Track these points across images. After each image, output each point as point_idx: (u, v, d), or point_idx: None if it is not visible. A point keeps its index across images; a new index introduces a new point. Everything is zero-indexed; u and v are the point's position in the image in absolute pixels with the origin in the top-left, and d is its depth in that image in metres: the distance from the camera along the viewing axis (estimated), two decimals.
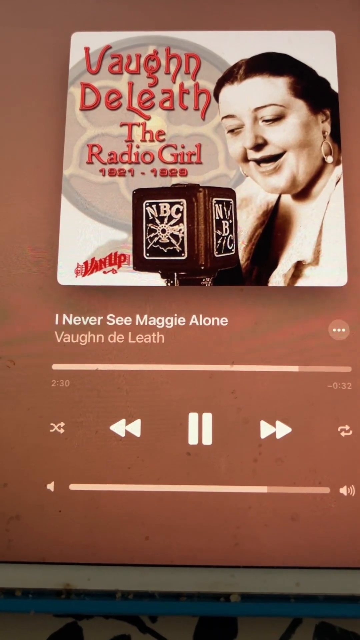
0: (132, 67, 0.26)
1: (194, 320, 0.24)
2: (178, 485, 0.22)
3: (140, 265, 0.24)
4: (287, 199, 0.25)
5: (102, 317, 0.24)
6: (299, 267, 0.24)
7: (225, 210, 0.25)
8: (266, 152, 0.25)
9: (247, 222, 0.25)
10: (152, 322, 0.24)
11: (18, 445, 0.23)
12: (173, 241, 0.24)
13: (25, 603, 0.21)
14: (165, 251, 0.24)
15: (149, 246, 0.24)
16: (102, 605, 0.21)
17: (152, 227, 0.24)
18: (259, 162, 0.25)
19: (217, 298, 0.24)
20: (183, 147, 0.25)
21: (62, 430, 0.23)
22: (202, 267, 0.24)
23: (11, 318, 0.24)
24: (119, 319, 0.24)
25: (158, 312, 0.24)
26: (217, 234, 0.24)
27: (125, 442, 0.23)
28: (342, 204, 0.24)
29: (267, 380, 0.23)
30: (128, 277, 0.24)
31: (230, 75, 0.26)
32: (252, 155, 0.25)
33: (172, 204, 0.25)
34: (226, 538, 0.22)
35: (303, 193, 0.25)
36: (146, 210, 0.25)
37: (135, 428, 0.23)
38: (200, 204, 0.24)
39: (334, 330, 0.24)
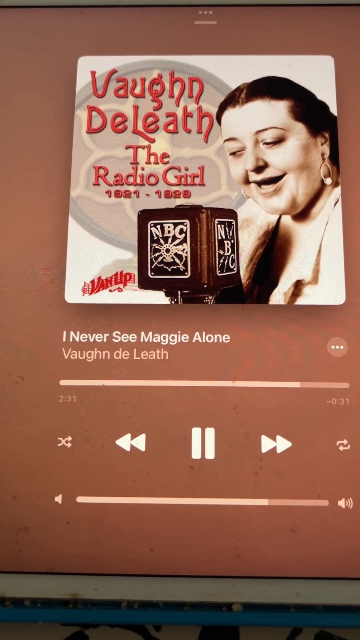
0: (137, 90, 0.27)
1: (197, 337, 0.25)
2: (181, 498, 0.23)
3: (145, 283, 0.25)
4: (287, 220, 0.26)
5: (108, 334, 0.25)
6: (298, 285, 0.25)
7: (227, 230, 0.25)
8: (267, 174, 0.26)
9: (248, 242, 0.25)
10: (156, 339, 0.25)
11: (27, 459, 0.23)
12: (177, 260, 0.25)
13: (33, 612, 0.22)
14: (169, 270, 0.25)
15: (154, 265, 0.25)
16: (108, 614, 0.22)
17: (157, 247, 0.25)
18: (259, 184, 0.26)
19: (220, 316, 0.25)
20: (186, 169, 0.26)
21: (69, 445, 0.24)
22: (205, 286, 0.25)
23: (20, 335, 0.25)
24: (125, 336, 0.25)
25: (162, 329, 0.25)
26: (219, 254, 0.25)
27: (131, 456, 0.23)
28: (341, 225, 0.25)
29: (268, 396, 0.24)
30: (133, 295, 0.25)
31: (232, 99, 0.27)
32: (253, 177, 0.26)
33: (176, 225, 0.25)
34: (228, 549, 0.23)
35: (302, 214, 0.26)
36: (151, 231, 0.25)
37: (140, 442, 0.24)
38: (203, 224, 0.25)
39: (333, 347, 0.24)
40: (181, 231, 0.25)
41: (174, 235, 0.25)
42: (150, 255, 0.25)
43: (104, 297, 0.25)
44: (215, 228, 0.25)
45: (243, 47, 0.27)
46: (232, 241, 0.25)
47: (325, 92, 0.26)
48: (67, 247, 0.25)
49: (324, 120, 0.26)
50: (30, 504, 0.23)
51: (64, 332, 0.25)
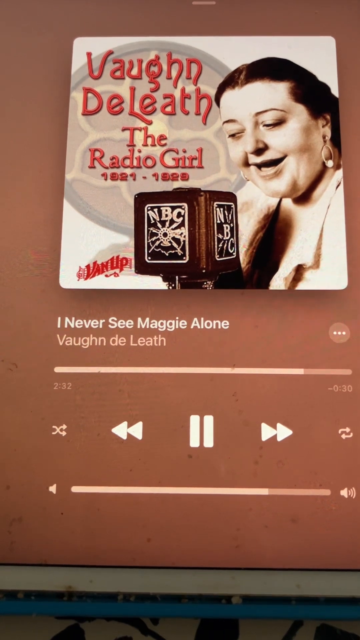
0: (134, 72, 0.26)
1: (195, 323, 0.24)
2: (179, 487, 0.22)
3: (142, 268, 0.24)
4: (287, 203, 0.25)
5: (104, 320, 0.24)
6: (299, 270, 0.24)
7: (227, 214, 0.25)
8: (267, 156, 0.25)
9: (248, 225, 0.25)
10: (153, 325, 0.24)
11: (20, 447, 0.23)
12: (174, 245, 0.25)
13: (27, 605, 0.22)
14: (167, 255, 0.24)
15: (151, 250, 0.25)
16: (104, 607, 0.22)
17: (154, 231, 0.25)
18: (259, 166, 0.25)
19: (219, 301, 0.24)
20: (184, 151, 0.25)
21: (64, 433, 0.23)
22: (204, 271, 0.24)
23: (13, 321, 0.24)
24: (121, 322, 0.24)
25: (160, 315, 0.24)
26: (218, 238, 0.25)
27: (127, 444, 0.23)
28: (343, 208, 0.25)
29: (268, 382, 0.23)
30: (130, 280, 0.24)
31: (231, 80, 0.26)
32: (253, 159, 0.25)
33: (173, 208, 0.25)
34: (227, 540, 0.22)
35: (303, 197, 0.25)
36: (148, 214, 0.25)
37: (137, 431, 0.23)
38: (201, 207, 0.25)
39: (335, 333, 0.24)
40: (179, 215, 0.25)
41: (172, 218, 0.25)
42: (148, 240, 0.25)
43: (99, 282, 0.24)
44: (214, 211, 0.25)
45: (242, 28, 0.27)
46: (232, 225, 0.25)
47: (327, 73, 0.26)
48: (62, 231, 0.25)
49: (325, 102, 0.26)
50: (24, 494, 0.23)
51: (59, 318, 0.24)
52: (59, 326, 0.24)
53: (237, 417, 0.23)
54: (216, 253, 0.25)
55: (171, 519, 0.22)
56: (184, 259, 0.24)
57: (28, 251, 0.25)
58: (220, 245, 0.25)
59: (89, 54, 0.26)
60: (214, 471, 0.23)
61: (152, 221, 0.25)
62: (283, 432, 0.23)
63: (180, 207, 0.25)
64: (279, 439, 0.23)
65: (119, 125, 0.26)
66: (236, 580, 0.22)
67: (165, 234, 0.25)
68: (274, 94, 0.26)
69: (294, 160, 0.25)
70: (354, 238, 0.24)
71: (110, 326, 0.24)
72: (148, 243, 0.25)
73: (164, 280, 0.24)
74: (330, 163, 0.25)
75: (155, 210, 0.25)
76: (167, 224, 0.25)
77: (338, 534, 0.22)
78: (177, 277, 0.24)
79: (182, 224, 0.25)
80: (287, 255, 0.25)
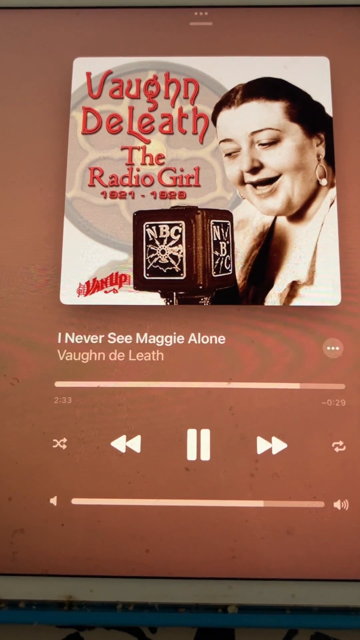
0: (133, 91, 0.27)
1: (192, 338, 0.25)
2: (177, 499, 0.23)
3: (141, 285, 0.25)
4: (282, 221, 0.26)
5: (103, 336, 0.25)
6: (294, 286, 0.25)
7: (223, 231, 0.25)
8: (262, 175, 0.26)
9: (244, 243, 0.25)
10: (151, 340, 0.25)
11: (22, 460, 0.23)
12: (172, 261, 0.25)
13: (28, 614, 0.22)
14: (165, 271, 0.25)
15: (149, 266, 0.25)
16: (104, 616, 0.22)
17: (152, 248, 0.25)
18: (255, 185, 0.26)
19: (215, 317, 0.25)
20: (182, 170, 0.26)
21: (64, 446, 0.24)
22: (201, 287, 0.25)
23: (15, 336, 0.25)
24: (120, 337, 0.25)
25: (158, 330, 0.25)
26: (214, 255, 0.25)
27: (126, 457, 0.23)
28: (336, 226, 0.25)
29: (264, 397, 0.24)
30: (128, 296, 0.25)
31: (227, 100, 0.27)
32: (249, 178, 0.26)
33: (171, 226, 0.25)
34: (224, 551, 0.23)
35: (298, 215, 0.26)
36: (146, 232, 0.25)
37: (136, 444, 0.24)
38: (198, 225, 0.25)
39: (328, 348, 0.24)
40: (176, 232, 0.25)
41: (170, 236, 0.25)
42: (146, 257, 0.25)
43: (99, 298, 0.25)
44: (211, 229, 0.25)
45: (238, 48, 0.27)
46: (228, 242, 0.25)
47: (321, 93, 0.26)
48: (62, 248, 0.25)
49: (319, 121, 0.26)
50: (26, 506, 0.23)
51: (59, 334, 0.25)
52: (59, 341, 0.25)
53: (234, 431, 0.24)
54: (213, 270, 0.25)
55: (169, 530, 0.23)
56: (182, 276, 0.25)
57: (29, 268, 0.25)
58: (217, 262, 0.25)
59: (88, 74, 0.27)
60: (210, 484, 0.23)
61: (151, 238, 0.25)
62: (278, 445, 0.23)
63: (177, 224, 0.25)
64: (274, 452, 0.23)
65: (118, 145, 0.26)
66: (232, 590, 0.22)
67: (163, 251, 0.25)
68: (269, 113, 0.26)
69: (289, 178, 0.26)
70: (347, 255, 0.25)
71: (109, 341, 0.25)
72: (146, 260, 0.25)
73: (162, 296, 0.25)
74: (324, 181, 0.26)
75: (154, 227, 0.25)
76: (165, 241, 0.25)
77: (332, 545, 0.23)
78: (174, 293, 0.25)
79: (179, 242, 0.25)
80: (282, 272, 0.25)
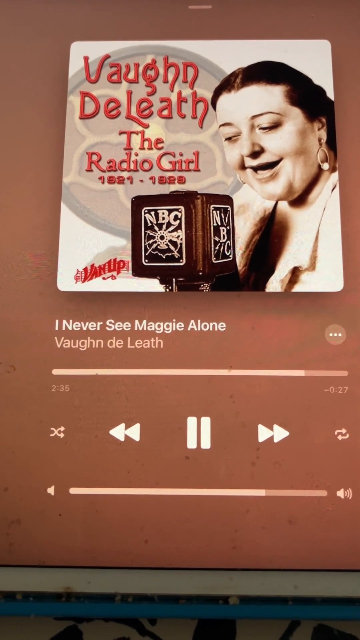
0: (131, 76, 0.26)
1: (192, 325, 0.24)
2: (177, 489, 0.23)
3: (139, 271, 0.25)
4: (283, 206, 0.25)
5: (101, 323, 0.24)
6: (295, 272, 0.24)
7: (223, 216, 0.25)
8: (263, 159, 0.25)
9: (244, 228, 0.25)
10: (151, 328, 0.24)
11: (19, 449, 0.23)
12: (171, 247, 0.25)
13: (25, 606, 0.22)
14: (164, 257, 0.25)
15: (148, 252, 0.25)
16: (102, 608, 0.22)
17: (151, 234, 0.25)
18: (255, 169, 0.25)
19: (215, 303, 0.24)
20: (181, 154, 0.26)
21: (62, 435, 0.23)
22: (200, 273, 0.25)
23: (12, 323, 0.24)
24: (118, 325, 0.24)
25: (157, 317, 0.24)
26: (214, 240, 0.25)
27: (125, 446, 0.23)
28: (338, 210, 0.25)
29: (265, 384, 0.23)
30: (127, 283, 0.24)
31: (227, 84, 0.26)
32: (249, 162, 0.25)
33: (170, 211, 0.25)
34: (225, 541, 0.22)
35: (299, 200, 0.25)
36: (145, 217, 0.25)
37: (135, 432, 0.23)
38: (198, 210, 0.25)
39: (331, 335, 0.24)
40: (176, 217, 0.25)
41: (169, 221, 0.25)
42: (145, 242, 0.25)
43: (97, 284, 0.24)
44: (211, 214, 0.25)
45: (238, 32, 0.27)
46: (228, 228, 0.25)
47: (322, 76, 0.26)
48: (59, 234, 0.25)
49: (320, 105, 0.26)
50: (23, 496, 0.23)
51: (57, 321, 0.24)
52: (56, 329, 0.24)
53: (234, 419, 0.23)
54: (213, 256, 0.25)
55: (169, 520, 0.22)
56: (181, 262, 0.25)
57: (26, 254, 0.25)
58: (217, 247, 0.25)
59: (86, 58, 0.27)
60: (211, 473, 0.23)
61: (149, 224, 0.25)
62: (280, 433, 0.23)
63: (177, 210, 0.25)
64: (276, 440, 0.23)
65: (116, 129, 0.26)
66: (234, 581, 0.22)
67: (162, 237, 0.25)
68: (269, 97, 0.26)
69: (290, 163, 0.25)
70: (350, 240, 0.25)
71: (107, 328, 0.24)
72: (145, 246, 0.25)
73: (161, 282, 0.25)
74: (326, 166, 0.25)
75: (152, 213, 0.25)
76: (164, 226, 0.25)
77: (335, 535, 0.22)
78: (174, 279, 0.25)
79: (179, 227, 0.25)
80: (283, 257, 0.25)
